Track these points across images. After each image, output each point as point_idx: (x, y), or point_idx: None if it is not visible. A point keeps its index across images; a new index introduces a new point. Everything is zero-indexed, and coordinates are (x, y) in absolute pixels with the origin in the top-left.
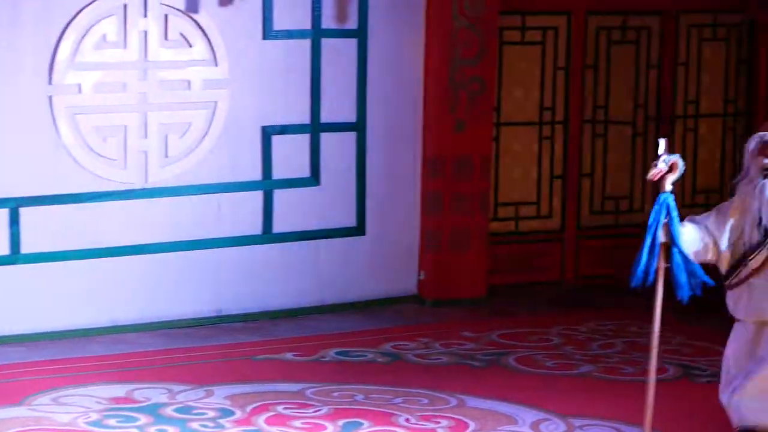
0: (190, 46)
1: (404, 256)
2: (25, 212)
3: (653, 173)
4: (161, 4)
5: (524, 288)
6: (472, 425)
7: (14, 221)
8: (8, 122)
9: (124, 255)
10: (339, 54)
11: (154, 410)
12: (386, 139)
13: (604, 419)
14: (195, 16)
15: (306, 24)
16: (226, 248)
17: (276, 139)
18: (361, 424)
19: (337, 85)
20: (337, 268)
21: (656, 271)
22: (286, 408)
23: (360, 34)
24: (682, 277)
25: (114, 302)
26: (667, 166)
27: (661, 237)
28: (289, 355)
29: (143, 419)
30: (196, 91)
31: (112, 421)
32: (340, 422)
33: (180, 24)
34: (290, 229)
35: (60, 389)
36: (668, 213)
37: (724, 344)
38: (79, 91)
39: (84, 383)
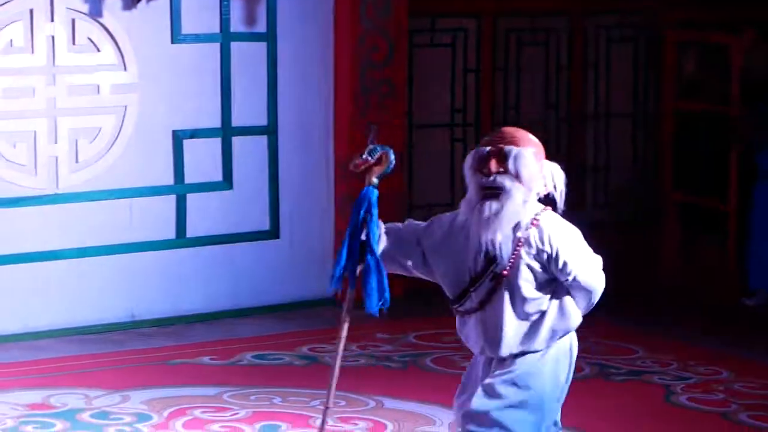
0: (98, 50)
1: (319, 258)
2: None
3: (356, 163)
4: (68, 8)
5: (440, 289)
6: (390, 426)
7: None
8: None
9: (36, 261)
10: (248, 57)
11: (71, 416)
12: (298, 143)
13: None
14: (102, 21)
15: (215, 28)
16: (139, 253)
17: (187, 143)
18: (279, 426)
19: (247, 88)
20: (251, 271)
21: (353, 273)
22: (203, 412)
23: (269, 37)
24: (372, 285)
25: (27, 308)
26: (373, 158)
27: (361, 236)
28: (205, 359)
29: (60, 425)
30: (105, 96)
31: (28, 428)
32: (258, 425)
33: (87, 28)
34: (204, 233)
35: None
36: (369, 209)
37: (639, 343)
38: None
39: None
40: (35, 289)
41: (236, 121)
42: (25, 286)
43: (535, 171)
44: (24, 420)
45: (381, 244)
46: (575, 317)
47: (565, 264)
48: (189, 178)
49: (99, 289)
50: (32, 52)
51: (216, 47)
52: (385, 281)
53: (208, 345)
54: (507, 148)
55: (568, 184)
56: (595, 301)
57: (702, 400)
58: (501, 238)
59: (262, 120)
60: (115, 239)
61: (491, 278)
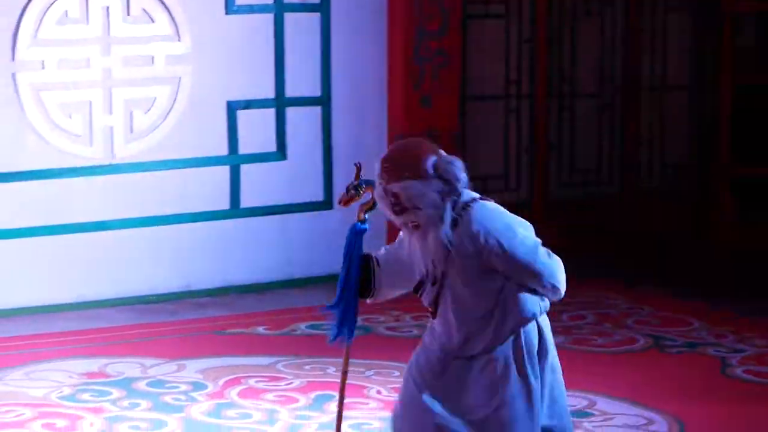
0: (153, 21)
1: (372, 230)
2: None
3: (341, 199)
4: None
5: None
6: None
7: None
8: None
9: (91, 231)
10: (302, 28)
11: (127, 384)
12: (352, 114)
13: (576, 389)
14: None
15: None
16: (193, 223)
17: (241, 114)
18: (333, 396)
19: (301, 59)
20: (305, 242)
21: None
22: (258, 381)
23: (323, 8)
24: (337, 320)
25: (81, 278)
26: (359, 193)
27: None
28: (259, 329)
29: (116, 393)
30: (159, 67)
31: (85, 395)
32: (312, 395)
33: None
34: (258, 203)
35: (31, 364)
36: (351, 246)
37: (694, 315)
38: (43, 67)
39: (55, 358)
40: (90, 259)
41: (290, 91)
42: (81, 256)
43: (428, 193)
44: (81, 388)
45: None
46: (528, 308)
47: (498, 248)
48: (243, 148)
49: (154, 259)
50: (87, 23)
51: (270, 18)
52: (350, 319)
53: (262, 315)
54: (390, 188)
55: (623, 157)
56: (555, 279)
57: (758, 372)
58: (437, 254)
59: (315, 91)
60: (170, 210)
61: (432, 283)
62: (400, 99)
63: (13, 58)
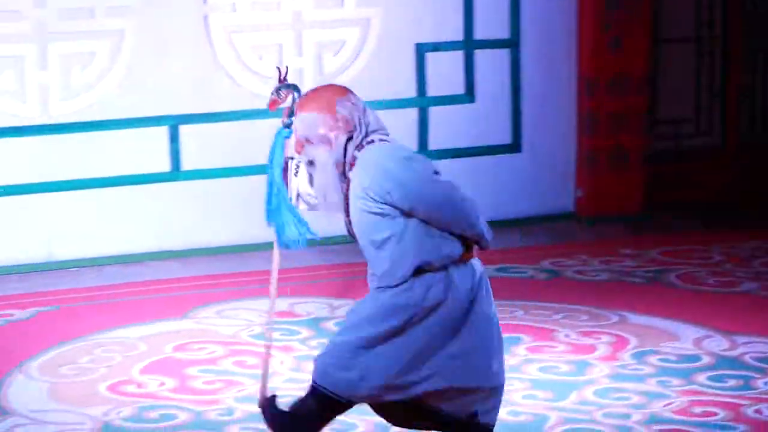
0: None
1: (560, 173)
2: (184, 130)
3: (268, 102)
4: None
5: (684, 206)
6: (633, 341)
7: (174, 138)
8: (166, 42)
9: None
10: None
11: (315, 324)
12: (541, 57)
13: (766, 336)
14: None
15: None
16: None
17: (430, 56)
18: (521, 338)
19: (489, 0)
20: (492, 185)
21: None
22: None
23: None
24: (277, 225)
25: None
26: (281, 97)
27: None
28: None
29: (305, 332)
30: (349, 9)
31: (275, 334)
32: None
33: None
34: (446, 146)
35: (222, 303)
36: (274, 150)
37: None
38: (234, 9)
39: (246, 297)
40: None
41: (479, 34)
42: None
43: (319, 126)
44: (270, 327)
45: None
46: (420, 250)
47: (392, 184)
48: (431, 91)
49: None
50: None
51: None
52: (295, 222)
53: None
54: (293, 121)
55: None
56: (466, 214)
57: None
58: (333, 196)
59: (504, 33)
60: None
61: (348, 222)
62: (589, 41)
63: (205, 1)
